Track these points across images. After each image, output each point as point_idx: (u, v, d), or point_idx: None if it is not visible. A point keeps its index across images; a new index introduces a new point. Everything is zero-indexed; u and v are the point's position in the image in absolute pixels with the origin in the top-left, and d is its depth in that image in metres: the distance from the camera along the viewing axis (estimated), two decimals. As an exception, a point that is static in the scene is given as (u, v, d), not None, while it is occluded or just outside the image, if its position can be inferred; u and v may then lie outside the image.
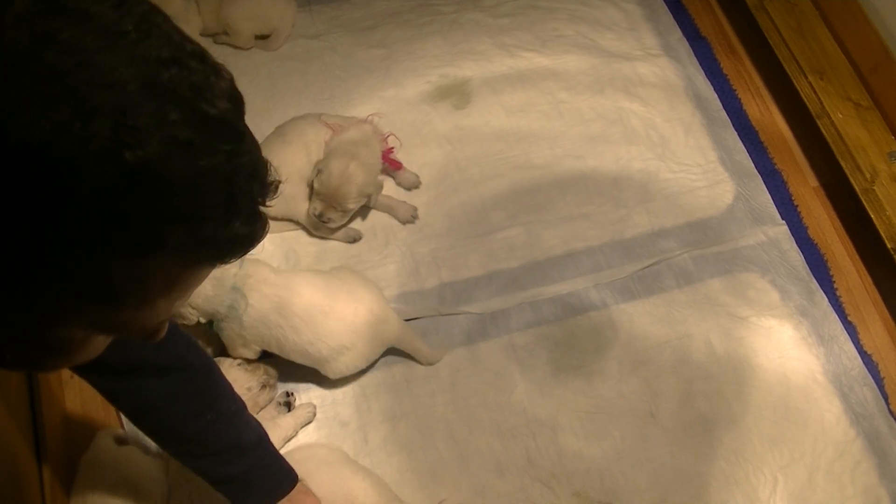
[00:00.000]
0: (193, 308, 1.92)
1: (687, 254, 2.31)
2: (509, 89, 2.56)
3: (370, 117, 2.28)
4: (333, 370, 2.00)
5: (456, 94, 2.54)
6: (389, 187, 2.34)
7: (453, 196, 2.36)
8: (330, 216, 2.18)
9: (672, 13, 2.77)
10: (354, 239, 2.27)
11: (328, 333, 1.95)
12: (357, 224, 2.30)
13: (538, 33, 2.68)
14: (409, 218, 2.30)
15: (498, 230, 2.32)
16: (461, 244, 2.29)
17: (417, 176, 2.37)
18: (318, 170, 2.16)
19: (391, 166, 2.32)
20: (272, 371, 2.01)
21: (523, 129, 2.49)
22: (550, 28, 2.70)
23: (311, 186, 2.20)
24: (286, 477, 1.67)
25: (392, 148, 2.30)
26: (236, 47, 2.57)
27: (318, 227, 2.22)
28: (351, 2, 2.72)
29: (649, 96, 2.57)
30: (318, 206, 2.17)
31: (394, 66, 2.58)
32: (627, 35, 2.71)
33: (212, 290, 1.91)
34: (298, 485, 1.68)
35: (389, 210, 2.30)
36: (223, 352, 2.04)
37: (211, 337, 2.04)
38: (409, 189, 2.36)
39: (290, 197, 2.21)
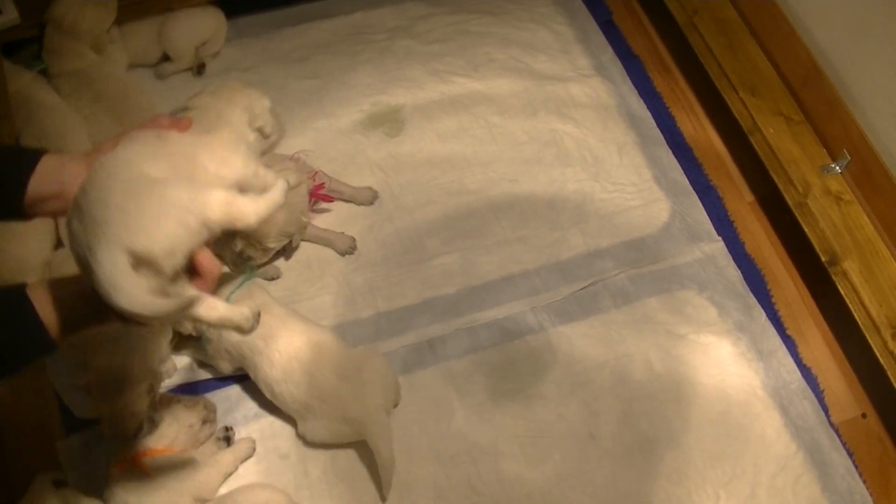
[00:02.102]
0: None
1: (624, 273, 2.30)
2: (442, 115, 2.55)
3: (297, 154, 2.26)
4: (301, 428, 2.00)
5: (389, 121, 2.53)
6: (326, 218, 2.34)
7: (388, 224, 2.36)
8: (250, 254, 2.15)
9: (604, 33, 2.78)
10: (273, 277, 2.27)
11: (295, 382, 1.95)
12: (292, 256, 2.30)
13: (470, 58, 2.68)
14: (349, 249, 2.29)
15: (433, 257, 2.31)
16: (397, 272, 2.28)
17: (371, 188, 2.38)
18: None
19: (324, 201, 2.31)
20: (211, 405, 1.99)
21: (457, 154, 2.49)
22: (482, 52, 2.70)
23: None
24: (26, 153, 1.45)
25: (322, 184, 2.27)
26: (180, 72, 2.60)
27: (238, 263, 2.17)
28: (282, 33, 2.71)
29: (582, 117, 2.57)
30: (238, 244, 2.15)
31: (326, 97, 2.58)
32: (560, 56, 2.71)
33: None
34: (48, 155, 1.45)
35: (328, 242, 2.29)
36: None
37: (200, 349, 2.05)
38: (370, 204, 2.37)
39: None
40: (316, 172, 2.28)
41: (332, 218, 2.34)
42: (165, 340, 2.00)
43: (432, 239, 2.34)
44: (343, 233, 2.31)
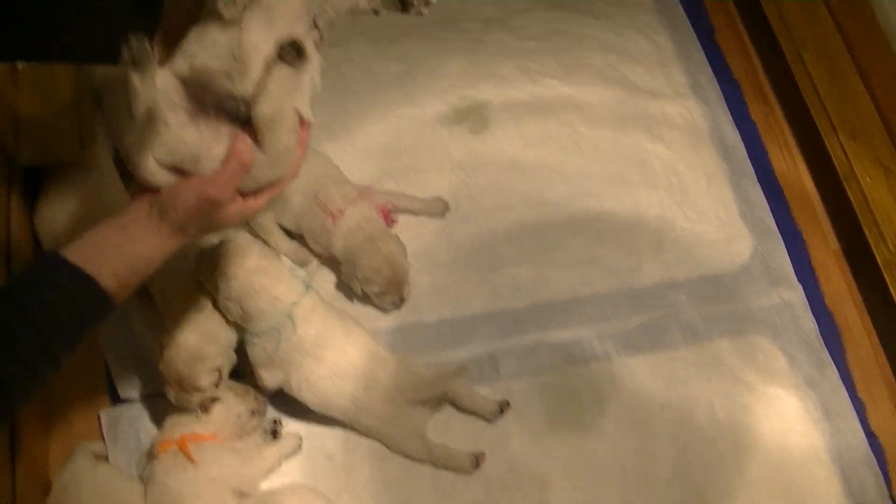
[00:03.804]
0: (241, 308, 1.86)
1: (697, 310, 2.21)
2: (529, 117, 2.44)
3: (364, 191, 2.17)
4: (363, 430, 1.96)
5: (473, 117, 2.43)
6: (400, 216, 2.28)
7: (462, 226, 2.27)
8: (403, 296, 2.11)
9: (704, 50, 2.65)
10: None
11: (344, 376, 1.90)
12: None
13: (564, 60, 2.56)
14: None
15: (504, 267, 2.22)
16: (465, 278, 2.20)
17: (441, 199, 2.28)
18: (356, 278, 2.06)
19: (389, 225, 2.21)
20: (261, 398, 1.92)
21: (540, 161, 2.38)
22: (577, 56, 2.58)
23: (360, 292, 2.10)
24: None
25: (389, 210, 2.19)
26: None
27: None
28: (374, 11, 2.60)
29: (673, 138, 2.46)
30: (387, 300, 2.09)
31: (412, 83, 2.47)
32: (657, 70, 2.59)
33: (266, 305, 1.85)
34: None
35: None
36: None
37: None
38: (442, 216, 2.27)
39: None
40: (385, 204, 2.18)
41: (408, 214, 2.26)
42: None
43: (505, 247, 2.25)
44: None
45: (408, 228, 2.22)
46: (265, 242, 2.10)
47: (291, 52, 1.22)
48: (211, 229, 1.33)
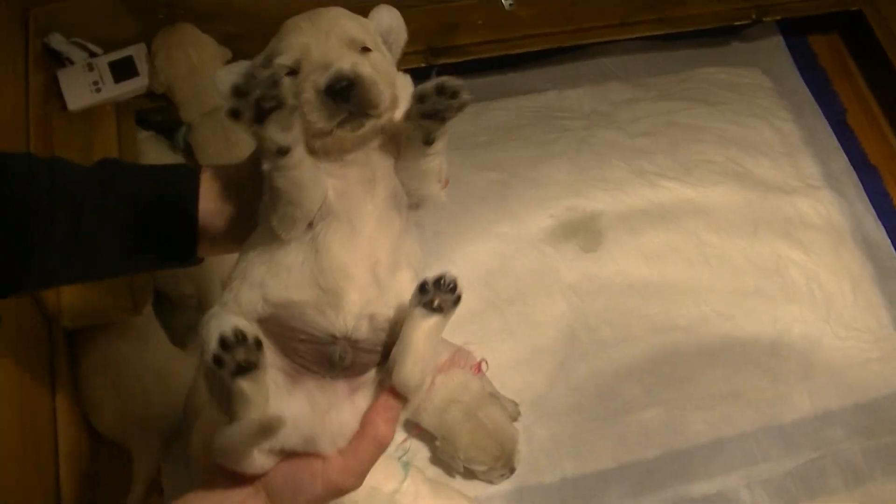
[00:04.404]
0: None
1: (856, 445, 1.92)
2: (647, 228, 2.16)
3: (455, 356, 1.88)
4: None
5: (584, 232, 2.15)
6: (511, 356, 1.99)
7: (581, 364, 1.99)
8: (513, 468, 1.82)
9: (836, 135, 2.37)
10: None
11: None
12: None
13: (681, 158, 2.28)
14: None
15: (632, 410, 1.94)
16: (588, 427, 1.92)
17: (514, 402, 1.94)
18: (458, 458, 1.78)
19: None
20: None
21: (663, 279, 2.10)
22: (696, 151, 2.29)
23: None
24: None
25: (480, 366, 1.90)
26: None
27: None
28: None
29: (811, 240, 2.17)
30: (495, 475, 1.82)
31: (511, 195, 2.19)
32: (784, 161, 2.30)
33: (364, 500, 1.62)
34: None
35: None
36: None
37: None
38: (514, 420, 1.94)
39: None
40: (479, 363, 1.90)
41: (518, 354, 1.99)
42: None
43: (632, 386, 1.97)
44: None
45: (520, 374, 1.95)
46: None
47: (446, 296, 0.88)
48: None
